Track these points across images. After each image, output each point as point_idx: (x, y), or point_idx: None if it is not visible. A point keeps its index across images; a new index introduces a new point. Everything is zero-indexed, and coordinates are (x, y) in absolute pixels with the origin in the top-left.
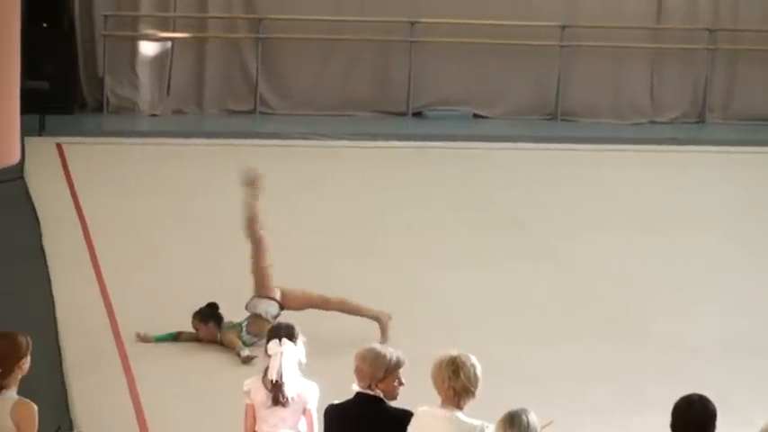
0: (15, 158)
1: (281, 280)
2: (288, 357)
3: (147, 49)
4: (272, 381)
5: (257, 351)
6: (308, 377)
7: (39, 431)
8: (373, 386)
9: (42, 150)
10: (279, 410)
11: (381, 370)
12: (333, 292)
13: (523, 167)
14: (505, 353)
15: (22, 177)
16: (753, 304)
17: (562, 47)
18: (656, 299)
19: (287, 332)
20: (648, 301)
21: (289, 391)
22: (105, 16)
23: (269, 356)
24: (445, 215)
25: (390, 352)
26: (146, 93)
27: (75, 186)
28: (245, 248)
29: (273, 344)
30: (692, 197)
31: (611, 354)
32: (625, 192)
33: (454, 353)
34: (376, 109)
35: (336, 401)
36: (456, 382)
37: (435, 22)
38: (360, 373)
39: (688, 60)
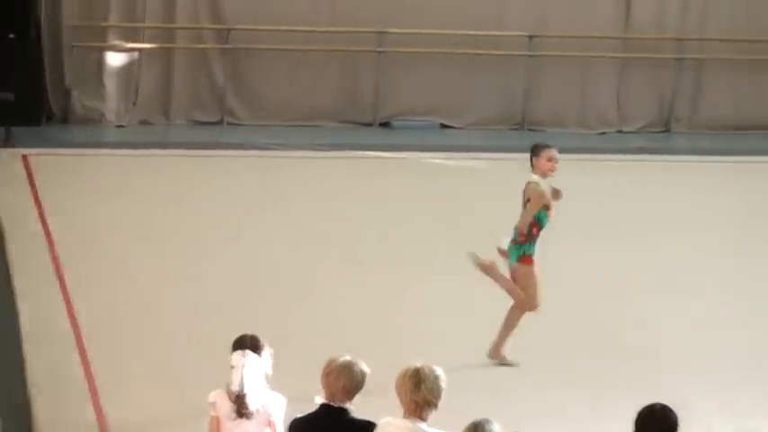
0: None
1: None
2: (251, 369)
3: (114, 59)
4: (234, 392)
5: None
6: (275, 389)
7: None
8: (338, 398)
9: (8, 162)
10: (243, 423)
11: (350, 383)
12: (307, 303)
13: (490, 177)
14: (475, 362)
15: None
16: (720, 313)
17: (529, 56)
18: (623, 307)
19: (251, 343)
20: (617, 309)
21: (252, 402)
22: (72, 27)
23: (232, 368)
24: (414, 225)
25: (358, 365)
26: (113, 103)
27: (41, 198)
28: (210, 259)
29: (237, 355)
30: (659, 206)
31: (579, 362)
32: (592, 201)
33: (418, 364)
34: (344, 119)
35: (300, 414)
36: (417, 395)
37: (403, 33)
38: (328, 386)
39: (655, 70)
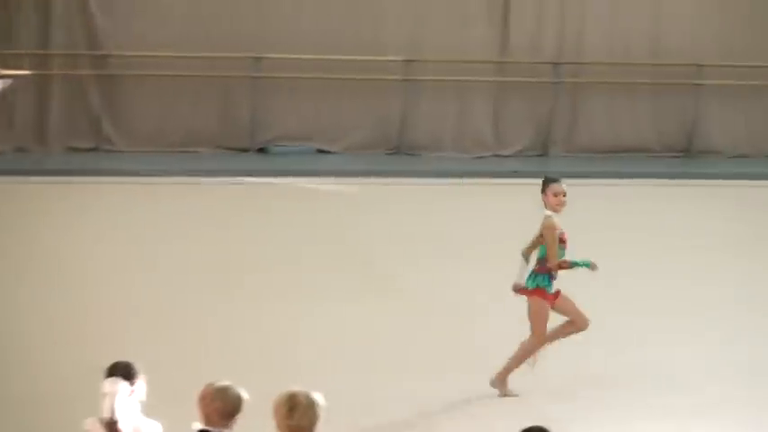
0: None
1: (135, 321)
2: (122, 396)
3: None
4: (106, 420)
5: None
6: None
7: None
8: (215, 421)
9: None
10: None
11: (224, 406)
12: (186, 332)
13: (367, 202)
14: (351, 386)
15: None
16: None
17: (405, 81)
18: (494, 328)
19: (124, 371)
20: (488, 330)
21: (124, 429)
22: None
23: (104, 395)
24: (290, 251)
25: (234, 389)
26: None
27: None
28: (84, 288)
29: (108, 382)
30: (535, 229)
31: (451, 383)
32: (468, 224)
33: (294, 390)
34: (220, 145)
35: None
36: (292, 420)
37: (279, 58)
38: (203, 410)
39: (531, 94)
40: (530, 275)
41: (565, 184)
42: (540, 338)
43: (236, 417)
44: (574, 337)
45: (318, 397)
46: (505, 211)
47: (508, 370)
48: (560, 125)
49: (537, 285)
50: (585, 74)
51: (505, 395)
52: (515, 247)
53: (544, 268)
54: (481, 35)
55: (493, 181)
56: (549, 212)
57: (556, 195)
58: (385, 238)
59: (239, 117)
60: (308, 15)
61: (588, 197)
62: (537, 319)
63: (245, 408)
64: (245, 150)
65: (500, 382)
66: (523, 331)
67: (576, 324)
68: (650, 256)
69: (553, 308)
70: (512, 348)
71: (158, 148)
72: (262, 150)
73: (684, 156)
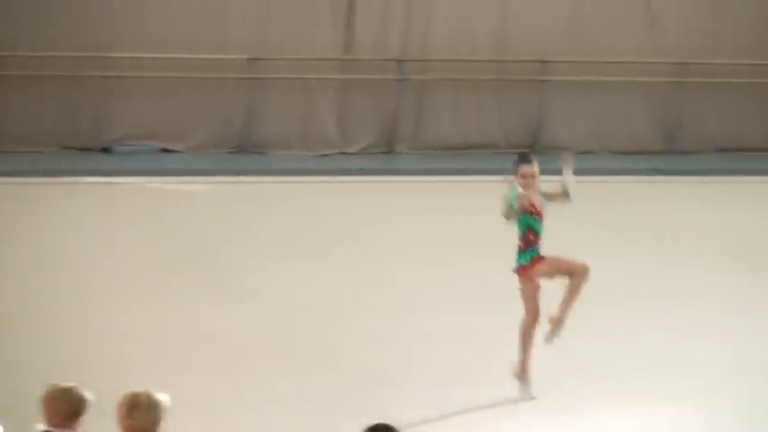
0: None
1: None
2: None
3: None
4: None
5: None
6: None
7: None
8: (57, 422)
9: None
10: None
11: (65, 406)
12: (19, 332)
13: (212, 201)
14: (193, 385)
15: None
16: (443, 332)
17: (251, 79)
18: (346, 328)
19: None
20: (340, 330)
21: None
22: None
23: None
24: (134, 252)
25: (77, 389)
26: None
27: None
28: None
29: None
30: (383, 227)
31: (304, 384)
32: (316, 223)
33: (137, 390)
34: (64, 145)
35: None
36: (133, 420)
37: (124, 57)
38: (45, 410)
39: (377, 91)
40: (518, 256)
41: (535, 165)
42: (533, 315)
43: (81, 418)
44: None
45: (163, 397)
46: (350, 209)
47: (522, 363)
48: (406, 123)
49: (531, 257)
50: (431, 71)
51: (527, 392)
52: (362, 246)
53: (525, 244)
54: (326, 33)
55: (339, 179)
56: (521, 191)
57: (523, 177)
58: (228, 237)
59: (83, 116)
60: (153, 14)
61: (435, 194)
62: (523, 297)
63: (90, 408)
64: (88, 150)
65: (523, 376)
66: (376, 328)
67: (576, 275)
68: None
69: (542, 275)
70: (358, 347)
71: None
72: (105, 150)
73: (530, 152)
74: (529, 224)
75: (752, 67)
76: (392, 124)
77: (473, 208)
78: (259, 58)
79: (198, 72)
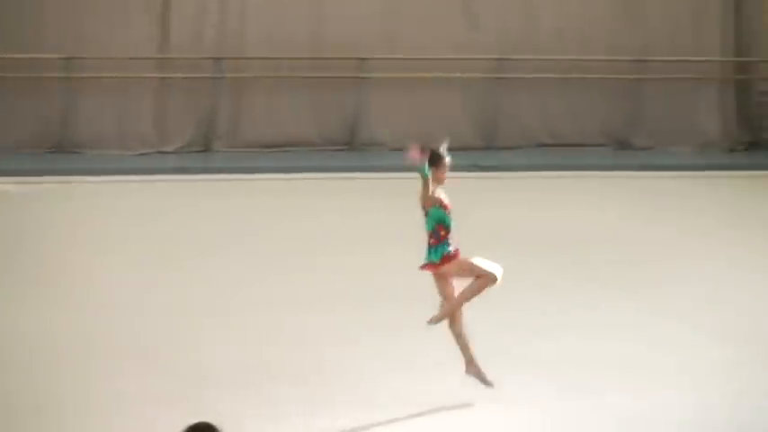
0: None
1: None
2: None
3: None
4: None
5: None
6: None
7: None
8: None
9: None
10: None
11: None
12: None
13: (28, 201)
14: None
15: None
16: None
17: (66, 78)
18: (166, 328)
19: None
20: (160, 331)
21: None
22: None
23: None
24: None
25: None
26: None
27: None
28: None
29: None
30: (202, 226)
31: (125, 384)
32: (134, 222)
33: None
34: None
35: None
36: None
37: None
38: None
39: (194, 89)
40: (428, 252)
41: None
42: (485, 278)
43: None
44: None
45: None
46: (168, 208)
47: (466, 357)
48: (223, 121)
49: (442, 254)
50: (248, 69)
51: (484, 381)
52: (180, 245)
53: (436, 240)
54: (142, 32)
55: (156, 178)
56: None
57: (446, 171)
58: (45, 237)
59: None
60: None
61: (253, 192)
62: (441, 295)
63: None
64: None
65: (472, 369)
66: (195, 328)
67: (483, 279)
68: (314, 251)
69: (453, 274)
70: (177, 347)
71: None
72: None
73: (348, 149)
74: (440, 218)
75: (571, 62)
76: (209, 123)
77: (291, 206)
78: (75, 57)
79: (13, 71)
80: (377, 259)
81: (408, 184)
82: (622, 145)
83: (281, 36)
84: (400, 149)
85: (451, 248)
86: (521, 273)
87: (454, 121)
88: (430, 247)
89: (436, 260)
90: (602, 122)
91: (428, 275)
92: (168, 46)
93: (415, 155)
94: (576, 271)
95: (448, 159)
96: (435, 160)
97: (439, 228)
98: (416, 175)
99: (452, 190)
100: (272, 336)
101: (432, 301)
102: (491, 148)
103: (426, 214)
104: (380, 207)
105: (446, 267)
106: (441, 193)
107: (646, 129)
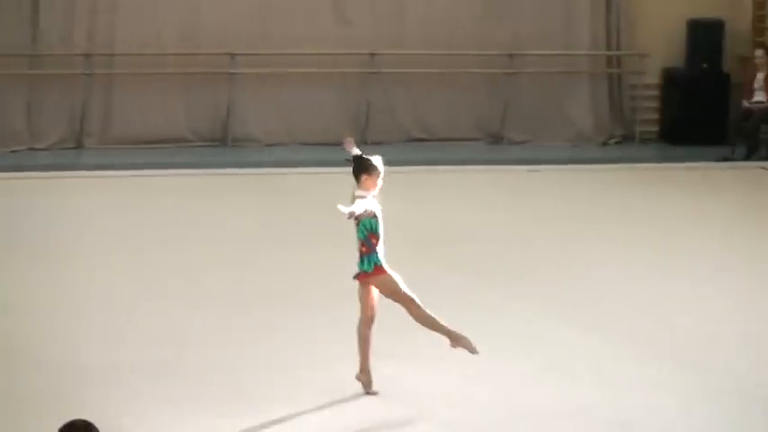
0: None
1: None
2: None
3: None
4: None
5: None
6: None
7: None
8: None
9: None
10: None
11: None
12: None
13: None
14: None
15: None
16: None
17: None
18: (39, 327)
19: None
20: (33, 329)
21: None
22: None
23: None
24: None
25: None
26: None
27: None
28: None
29: None
30: (74, 224)
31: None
32: (7, 221)
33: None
34: None
35: None
36: None
37: None
38: None
39: (65, 86)
40: (361, 262)
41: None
42: (367, 321)
43: None
44: None
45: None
46: (40, 206)
47: (361, 364)
48: (94, 118)
49: (374, 264)
50: (118, 65)
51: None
52: (52, 244)
53: (367, 249)
54: (12, 28)
55: (28, 175)
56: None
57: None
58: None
59: None
60: None
61: (124, 190)
62: (360, 302)
63: None
64: None
65: (361, 376)
66: (71, 326)
67: (408, 308)
68: (190, 247)
69: (379, 287)
70: (52, 345)
71: None
72: None
73: (220, 145)
74: (371, 226)
75: (442, 57)
76: (80, 119)
77: (164, 203)
78: None
79: None
80: (253, 257)
81: (279, 180)
82: (496, 139)
83: (152, 32)
84: (270, 145)
85: (382, 259)
86: (394, 267)
87: (327, 117)
88: (362, 255)
89: (369, 270)
90: (476, 117)
91: (313, 273)
92: (39, 42)
93: (350, 147)
94: (449, 264)
95: (381, 170)
96: (368, 168)
97: (371, 236)
98: (288, 170)
99: (321, 185)
100: (141, 334)
101: (315, 298)
102: (363, 144)
103: (357, 223)
104: (254, 203)
105: (376, 279)
106: (373, 202)
107: (520, 124)
